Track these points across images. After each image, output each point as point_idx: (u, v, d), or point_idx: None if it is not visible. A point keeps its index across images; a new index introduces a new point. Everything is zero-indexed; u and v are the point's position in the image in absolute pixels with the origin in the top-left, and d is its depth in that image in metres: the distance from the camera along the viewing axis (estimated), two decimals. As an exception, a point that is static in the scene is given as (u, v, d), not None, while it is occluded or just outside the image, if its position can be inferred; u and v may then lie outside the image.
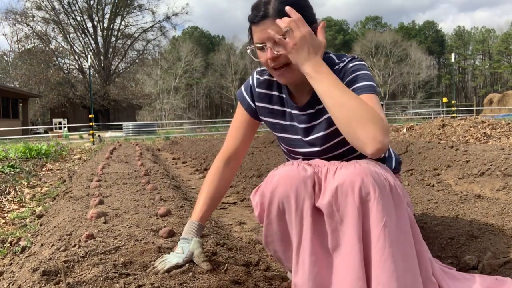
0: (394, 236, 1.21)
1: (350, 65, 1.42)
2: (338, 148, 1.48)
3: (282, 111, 1.55)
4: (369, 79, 1.38)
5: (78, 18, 38.43)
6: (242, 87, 1.65)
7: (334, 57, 1.47)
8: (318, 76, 1.30)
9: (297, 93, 1.51)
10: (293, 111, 1.51)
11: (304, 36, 1.29)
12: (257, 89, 1.58)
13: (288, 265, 1.44)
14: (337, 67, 1.43)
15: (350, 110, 1.25)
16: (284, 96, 1.53)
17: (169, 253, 1.57)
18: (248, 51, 1.43)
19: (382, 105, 1.51)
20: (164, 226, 2.01)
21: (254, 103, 1.60)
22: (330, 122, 1.45)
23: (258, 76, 1.58)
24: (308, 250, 1.30)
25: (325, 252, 1.32)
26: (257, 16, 1.36)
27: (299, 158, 1.51)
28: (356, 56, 1.47)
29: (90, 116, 15.13)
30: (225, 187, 1.65)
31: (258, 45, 1.38)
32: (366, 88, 1.35)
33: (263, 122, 1.65)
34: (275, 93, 1.55)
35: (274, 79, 1.54)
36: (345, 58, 1.45)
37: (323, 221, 1.32)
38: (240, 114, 1.64)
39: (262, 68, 1.57)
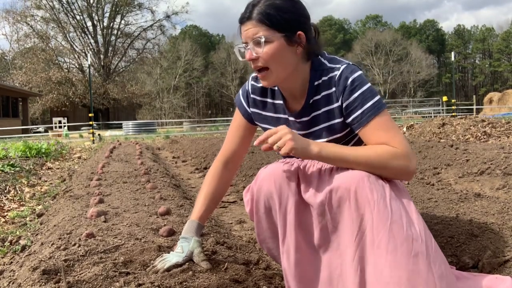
0: (404, 233, 1.19)
1: (350, 79, 1.37)
2: None
3: (276, 118, 1.54)
4: (371, 95, 1.36)
5: (78, 17, 38.43)
6: (240, 92, 1.65)
7: (326, 62, 1.45)
8: (326, 151, 1.30)
9: (291, 100, 1.50)
10: (290, 118, 1.51)
11: (286, 133, 1.29)
12: (252, 95, 1.58)
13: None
14: (332, 74, 1.41)
15: (369, 166, 1.29)
16: (277, 102, 1.52)
17: (169, 252, 1.58)
18: (235, 50, 1.45)
19: None
20: (164, 225, 2.01)
21: (249, 108, 1.60)
22: (329, 131, 1.45)
23: (253, 83, 1.58)
24: (293, 246, 1.32)
25: (310, 248, 1.33)
26: (244, 18, 1.39)
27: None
28: (350, 63, 1.44)
29: (90, 115, 15.11)
30: (224, 187, 1.66)
31: (242, 44, 1.40)
32: (372, 108, 1.34)
33: (259, 126, 1.66)
34: (269, 100, 1.55)
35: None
36: (339, 65, 1.41)
37: (309, 218, 1.33)
38: (237, 118, 1.64)
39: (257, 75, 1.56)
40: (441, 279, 1.18)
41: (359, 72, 1.40)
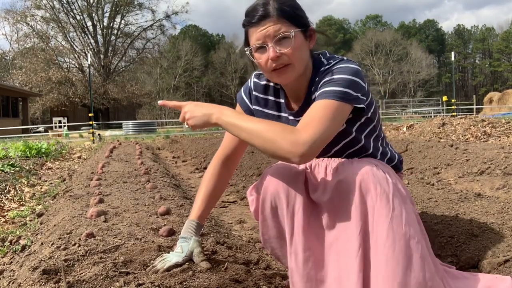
0: (403, 230, 1.21)
1: (334, 68, 1.38)
2: (337, 149, 1.48)
3: (277, 116, 1.55)
4: (341, 85, 1.32)
5: (78, 17, 38.41)
6: (242, 89, 1.65)
7: (324, 60, 1.45)
8: (222, 121, 1.33)
9: (293, 98, 1.51)
10: (289, 117, 1.52)
11: (186, 112, 1.38)
12: (254, 92, 1.58)
13: (286, 262, 1.45)
14: (322, 68, 1.42)
15: (259, 137, 1.26)
16: (279, 101, 1.53)
17: (169, 252, 1.58)
18: (247, 52, 1.41)
19: (371, 107, 1.45)
20: (164, 225, 2.01)
21: (252, 105, 1.60)
22: None
23: (256, 80, 1.58)
24: (301, 245, 1.32)
25: (319, 248, 1.33)
26: (255, 16, 1.35)
27: None
28: (345, 58, 1.43)
29: (90, 114, 15.12)
30: (223, 185, 1.65)
31: (259, 44, 1.35)
32: (328, 93, 1.31)
33: None
34: (271, 98, 1.55)
35: (271, 84, 1.54)
36: (332, 61, 1.42)
37: (318, 216, 1.33)
38: None
39: (259, 72, 1.56)
40: (433, 279, 1.21)
41: (349, 64, 1.38)
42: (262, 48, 1.36)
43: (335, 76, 1.34)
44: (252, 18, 1.36)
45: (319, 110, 1.28)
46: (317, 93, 1.36)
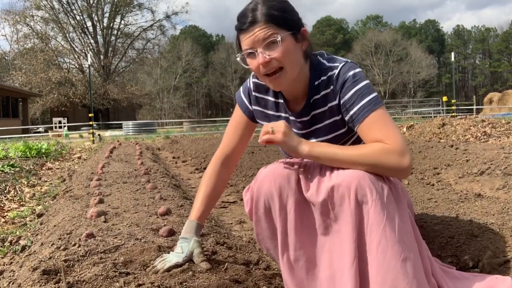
0: (396, 237, 1.21)
1: (347, 77, 1.38)
2: None
3: (277, 116, 1.54)
4: (368, 91, 1.35)
5: (78, 17, 38.44)
6: (241, 89, 1.65)
7: (325, 61, 1.45)
8: (315, 155, 1.33)
9: (292, 100, 1.51)
10: (290, 117, 1.51)
11: (279, 141, 1.33)
12: (254, 93, 1.58)
13: (280, 262, 1.45)
14: (330, 73, 1.41)
15: (361, 164, 1.28)
16: (280, 101, 1.53)
17: (169, 252, 1.58)
18: (238, 58, 1.42)
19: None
20: (164, 225, 2.01)
21: (251, 106, 1.59)
22: (330, 129, 1.45)
23: (255, 80, 1.57)
24: (293, 245, 1.32)
25: (311, 248, 1.33)
26: (245, 23, 1.35)
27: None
28: (348, 61, 1.43)
29: (90, 115, 15.12)
30: (222, 186, 1.66)
31: (249, 51, 1.36)
32: (369, 105, 1.34)
33: (259, 124, 1.65)
34: (271, 98, 1.55)
35: None
36: (337, 63, 1.41)
37: (311, 215, 1.33)
38: (237, 116, 1.64)
39: None
40: (424, 284, 1.21)
41: (357, 69, 1.40)
42: (252, 54, 1.36)
43: (358, 86, 1.36)
44: (242, 25, 1.36)
45: (382, 125, 1.32)
46: (350, 109, 1.37)
